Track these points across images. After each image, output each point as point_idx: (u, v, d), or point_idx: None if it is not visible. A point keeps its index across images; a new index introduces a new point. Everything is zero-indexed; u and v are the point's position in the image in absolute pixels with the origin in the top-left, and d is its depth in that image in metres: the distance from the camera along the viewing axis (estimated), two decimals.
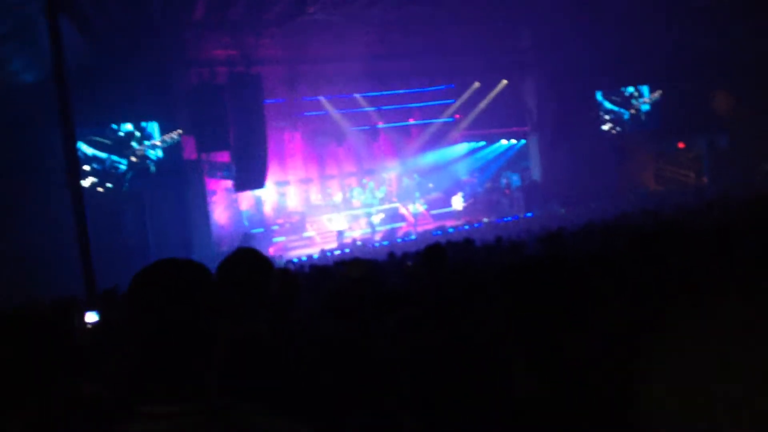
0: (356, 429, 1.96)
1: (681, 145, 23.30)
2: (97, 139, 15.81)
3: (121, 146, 16.10)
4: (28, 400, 1.72)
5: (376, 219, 21.71)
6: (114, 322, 4.95)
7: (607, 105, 22.69)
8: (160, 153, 16.52)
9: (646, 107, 22.67)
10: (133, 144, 16.21)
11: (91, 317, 5.57)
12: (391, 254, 8.87)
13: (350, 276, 4.79)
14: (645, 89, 22.63)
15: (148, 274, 1.29)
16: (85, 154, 15.15)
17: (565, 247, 6.69)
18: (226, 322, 1.32)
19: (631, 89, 22.70)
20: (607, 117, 22.67)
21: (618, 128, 22.63)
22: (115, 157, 16.02)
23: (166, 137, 16.44)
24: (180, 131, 16.54)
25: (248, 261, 2.10)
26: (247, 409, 1.25)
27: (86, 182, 15.18)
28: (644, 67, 21.03)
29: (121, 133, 16.09)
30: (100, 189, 15.81)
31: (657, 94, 22.49)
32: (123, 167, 16.10)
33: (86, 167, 15.20)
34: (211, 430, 1.19)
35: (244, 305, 1.99)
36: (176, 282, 1.27)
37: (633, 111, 22.65)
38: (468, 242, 7.86)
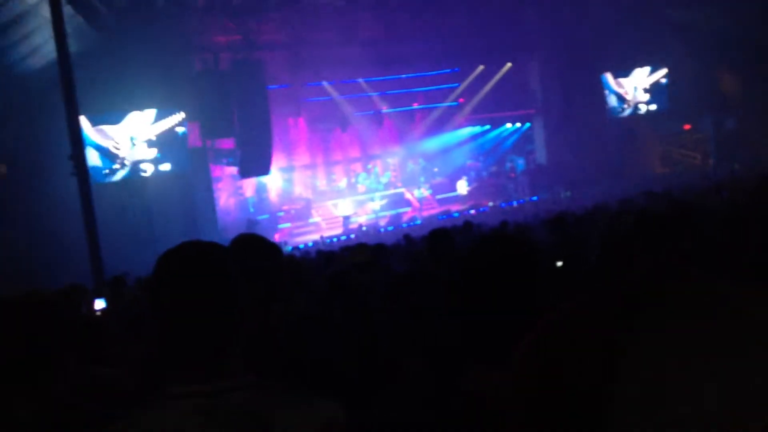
0: (369, 417, 1.97)
1: (687, 126, 23.15)
2: (101, 126, 15.80)
3: (126, 131, 16.08)
4: (37, 385, 1.73)
5: (376, 205, 21.74)
6: (124, 308, 4.99)
7: (611, 84, 22.51)
8: (164, 138, 16.49)
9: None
10: (138, 128, 16.19)
11: (99, 304, 5.60)
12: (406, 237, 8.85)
13: (354, 261, 4.80)
14: (652, 69, 22.43)
15: (174, 257, 1.30)
16: (89, 141, 15.13)
17: (570, 231, 6.66)
18: (249, 305, 1.34)
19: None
20: (612, 97, 22.49)
21: (623, 107, 22.45)
22: (117, 143, 16.01)
23: (170, 122, 16.41)
24: (183, 114, 16.50)
25: (255, 247, 2.09)
26: (271, 387, 1.27)
27: (100, 174, 15.31)
28: (650, 49, 20.85)
29: (126, 119, 16.07)
30: (106, 171, 15.82)
31: (662, 75, 22.29)
32: (125, 152, 16.08)
33: (91, 152, 15.18)
34: (240, 407, 1.20)
35: (253, 293, 1.99)
36: (203, 263, 1.29)
37: (638, 90, 22.47)
38: (467, 226, 7.74)
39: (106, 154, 15.93)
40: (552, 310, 0.65)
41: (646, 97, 22.59)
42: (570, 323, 0.59)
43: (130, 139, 16.14)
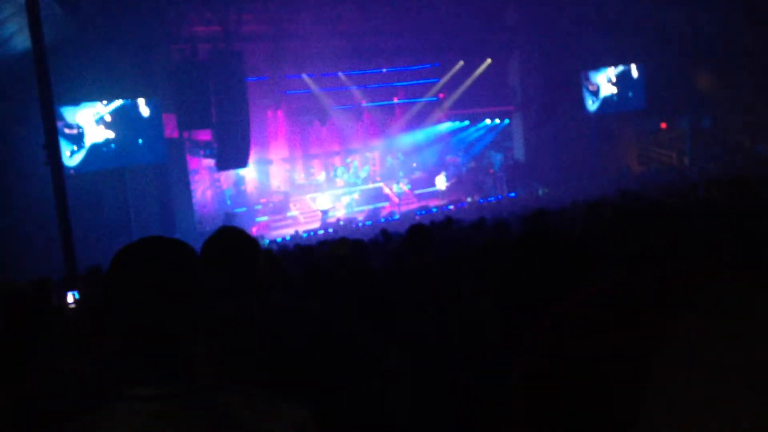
0: (347, 409, 1.96)
1: (663, 125, 23.43)
2: (73, 109, 15.50)
3: (98, 118, 15.82)
4: (6, 377, 1.69)
5: (354, 199, 21.72)
6: (96, 301, 4.91)
7: (589, 80, 22.64)
8: (140, 128, 16.27)
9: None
10: (111, 117, 15.95)
11: (71, 297, 5.52)
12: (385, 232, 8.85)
13: (334, 255, 4.78)
14: (629, 67, 22.61)
15: (131, 252, 1.25)
16: (62, 129, 14.87)
17: (548, 227, 6.70)
18: (214, 302, 1.29)
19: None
20: (589, 93, 22.63)
21: (600, 104, 22.62)
22: (90, 128, 15.74)
23: (147, 112, 16.19)
24: (160, 105, 16.30)
25: (234, 240, 2.06)
26: (236, 390, 1.23)
27: (64, 158, 14.92)
28: (629, 47, 21.04)
29: (98, 107, 15.80)
30: (76, 161, 15.54)
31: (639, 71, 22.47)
32: (98, 139, 15.82)
33: (63, 139, 14.90)
34: (199, 411, 1.16)
35: (231, 285, 1.96)
36: (162, 260, 1.23)
37: (615, 87, 22.62)
38: (448, 221, 7.82)
39: (78, 141, 15.63)
40: (572, 294, 0.55)
41: (615, 90, 22.66)
42: (596, 313, 0.51)
43: (103, 127, 15.87)
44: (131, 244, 1.26)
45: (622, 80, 22.63)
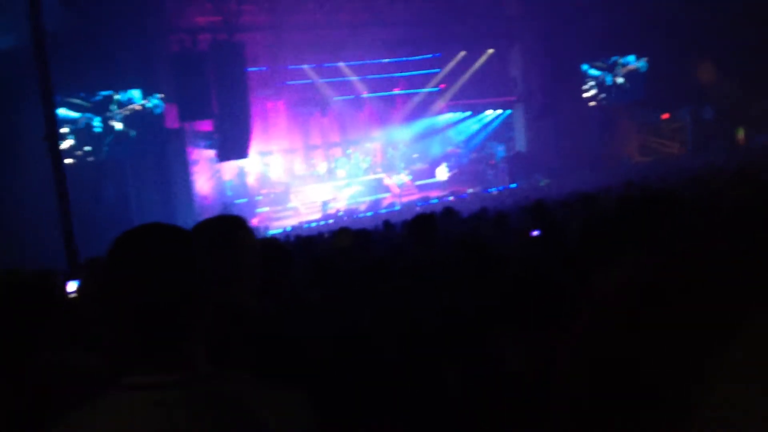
0: (349, 399, 1.94)
1: (665, 116, 23.36)
2: (74, 100, 15.45)
3: (100, 109, 15.77)
4: (9, 369, 1.67)
5: (355, 190, 21.68)
6: (97, 292, 4.89)
7: (592, 72, 22.57)
8: (140, 119, 16.22)
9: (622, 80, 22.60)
10: (113, 108, 15.90)
11: (72, 287, 5.50)
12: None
13: (337, 246, 4.76)
14: (631, 58, 22.54)
15: (130, 239, 1.23)
16: (62, 117, 14.81)
17: (551, 217, 6.68)
18: (212, 290, 1.26)
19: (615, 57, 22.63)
20: (591, 83, 22.55)
21: (602, 95, 22.54)
22: (92, 119, 15.69)
23: (147, 102, 16.14)
24: (162, 95, 16.25)
25: (224, 227, 2.03)
26: (234, 378, 1.21)
27: (64, 145, 14.82)
28: (630, 38, 20.95)
29: (100, 97, 15.76)
30: (78, 152, 15.50)
31: (642, 62, 22.41)
32: (99, 130, 15.77)
33: (63, 129, 14.86)
34: (198, 399, 1.14)
35: (223, 272, 1.93)
36: (161, 247, 1.21)
37: (617, 78, 22.54)
38: (449, 212, 7.71)
39: (77, 129, 15.58)
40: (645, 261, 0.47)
41: (625, 85, 22.67)
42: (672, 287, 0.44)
43: (103, 115, 15.81)
44: (130, 230, 1.24)
45: (624, 71, 22.55)
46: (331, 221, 18.06)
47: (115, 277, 1.19)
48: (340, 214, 19.34)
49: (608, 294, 0.49)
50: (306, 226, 17.65)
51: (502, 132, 24.55)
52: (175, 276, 1.19)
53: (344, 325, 2.14)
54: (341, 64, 21.41)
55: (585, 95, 22.48)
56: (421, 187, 22.85)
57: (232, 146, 17.49)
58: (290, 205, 21.09)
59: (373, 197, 21.54)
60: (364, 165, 23.20)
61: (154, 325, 1.17)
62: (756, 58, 18.73)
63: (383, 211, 19.65)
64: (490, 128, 24.63)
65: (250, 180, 21.26)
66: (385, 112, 23.39)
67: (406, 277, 2.73)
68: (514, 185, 21.53)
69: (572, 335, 0.49)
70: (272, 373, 1.46)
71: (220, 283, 1.90)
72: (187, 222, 16.32)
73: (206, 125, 17.91)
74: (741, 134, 21.85)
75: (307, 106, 21.87)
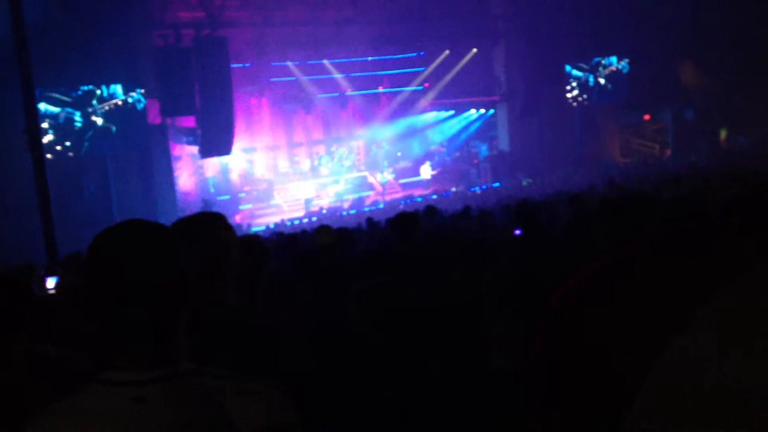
0: (331, 393, 1.94)
1: (646, 117, 23.59)
2: (54, 95, 15.27)
3: (81, 103, 15.60)
4: None
5: (338, 188, 21.64)
6: (76, 287, 4.85)
7: (575, 73, 22.74)
8: (122, 114, 16.06)
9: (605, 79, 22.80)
10: (94, 102, 15.74)
11: (51, 283, 5.44)
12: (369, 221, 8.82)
13: (317, 243, 4.75)
14: (613, 59, 22.74)
15: (112, 235, 1.22)
16: (42, 111, 14.65)
17: (534, 217, 6.72)
18: (192, 287, 1.26)
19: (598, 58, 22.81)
20: (574, 84, 22.71)
21: (584, 95, 22.71)
22: (73, 113, 15.52)
23: (129, 98, 15.99)
24: (144, 91, 16.11)
25: (203, 224, 2.02)
26: (214, 374, 1.21)
27: (44, 140, 14.68)
28: (613, 39, 21.13)
29: (81, 92, 15.59)
30: (58, 147, 15.32)
31: (624, 63, 22.62)
32: (80, 124, 15.59)
33: (44, 124, 14.70)
34: (179, 395, 1.14)
35: (202, 268, 1.92)
36: (142, 243, 1.21)
37: (599, 78, 22.73)
38: (431, 210, 7.67)
39: (58, 123, 15.39)
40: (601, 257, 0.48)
41: (607, 86, 22.86)
42: (631, 274, 0.45)
43: (84, 110, 15.64)
44: (112, 227, 1.23)
45: (606, 72, 22.74)
46: (314, 219, 18.02)
47: (95, 273, 1.18)
48: (324, 211, 19.31)
49: (579, 287, 0.49)
50: (289, 223, 17.59)
51: (485, 131, 24.63)
52: (155, 273, 1.18)
53: (326, 319, 2.14)
54: (325, 62, 21.36)
55: (568, 95, 22.63)
56: (404, 186, 22.88)
57: (215, 142, 17.40)
58: (273, 202, 21.02)
59: (356, 195, 21.53)
60: (348, 163, 23.18)
61: (134, 321, 1.16)
62: (737, 60, 18.98)
63: (367, 209, 19.65)
64: (473, 127, 24.70)
65: (233, 177, 21.16)
66: (369, 110, 23.38)
67: (390, 272, 2.73)
68: (497, 184, 21.62)
69: (541, 329, 0.49)
70: (252, 369, 1.46)
71: (201, 280, 1.90)
72: (169, 219, 16.17)
73: (189, 121, 17.80)
74: (723, 135, 22.15)
75: (291, 103, 21.78)
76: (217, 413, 1.14)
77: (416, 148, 24.27)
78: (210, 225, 2.00)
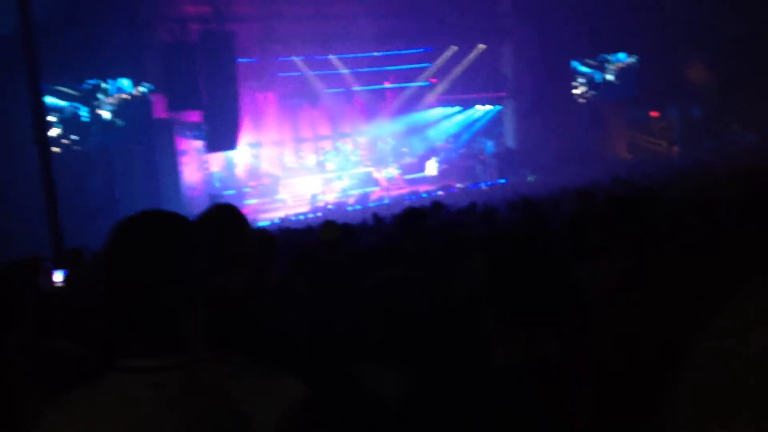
0: (340, 384, 1.94)
1: (654, 114, 23.49)
2: (61, 88, 15.30)
3: (87, 98, 15.64)
4: None
5: (344, 183, 21.63)
6: (82, 281, 4.86)
7: (582, 69, 22.66)
8: (128, 108, 16.10)
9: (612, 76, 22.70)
10: (100, 97, 15.77)
11: (58, 276, 5.46)
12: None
13: (323, 239, 4.74)
14: (621, 55, 22.64)
15: (131, 224, 1.23)
16: (49, 105, 14.69)
17: (538, 213, 6.71)
18: (210, 278, 1.28)
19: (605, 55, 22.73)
20: (581, 80, 22.62)
21: (592, 92, 22.63)
22: (79, 108, 15.56)
23: (135, 92, 16.02)
24: (150, 85, 16.14)
25: (222, 215, 2.04)
26: (231, 363, 1.22)
27: (50, 133, 14.72)
28: (621, 36, 21.04)
29: (87, 86, 15.63)
30: (65, 141, 15.36)
31: (632, 60, 22.53)
32: (87, 119, 15.63)
33: (50, 118, 14.75)
34: (195, 383, 1.16)
35: (219, 260, 1.93)
36: (162, 232, 1.22)
37: (607, 75, 22.64)
38: (438, 206, 7.68)
39: (64, 117, 15.44)
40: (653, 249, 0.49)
41: (606, 78, 22.74)
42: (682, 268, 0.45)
43: (90, 104, 15.68)
44: (133, 216, 1.26)
45: (614, 68, 22.65)
46: (319, 214, 18.02)
47: (116, 261, 1.19)
48: (329, 207, 19.30)
49: (610, 288, 0.50)
50: (294, 218, 17.60)
51: (491, 127, 24.58)
52: (176, 261, 1.21)
53: (330, 313, 2.13)
54: (332, 57, 21.32)
55: (575, 92, 22.55)
56: (410, 181, 22.84)
57: (221, 137, 17.42)
58: (279, 197, 21.02)
59: (362, 190, 21.52)
60: (354, 158, 23.17)
61: (153, 309, 1.18)
62: (746, 57, 18.87)
63: (372, 204, 19.62)
64: (479, 124, 24.64)
65: (239, 171, 21.16)
66: (375, 105, 23.34)
67: (396, 267, 2.73)
68: (503, 181, 21.58)
69: (577, 328, 0.50)
70: (268, 361, 1.46)
71: (222, 272, 1.90)
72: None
73: (195, 116, 17.81)
74: (732, 132, 22.02)
75: (297, 98, 21.77)
76: (232, 402, 1.16)
77: (422, 144, 24.23)
78: (234, 218, 2.03)
